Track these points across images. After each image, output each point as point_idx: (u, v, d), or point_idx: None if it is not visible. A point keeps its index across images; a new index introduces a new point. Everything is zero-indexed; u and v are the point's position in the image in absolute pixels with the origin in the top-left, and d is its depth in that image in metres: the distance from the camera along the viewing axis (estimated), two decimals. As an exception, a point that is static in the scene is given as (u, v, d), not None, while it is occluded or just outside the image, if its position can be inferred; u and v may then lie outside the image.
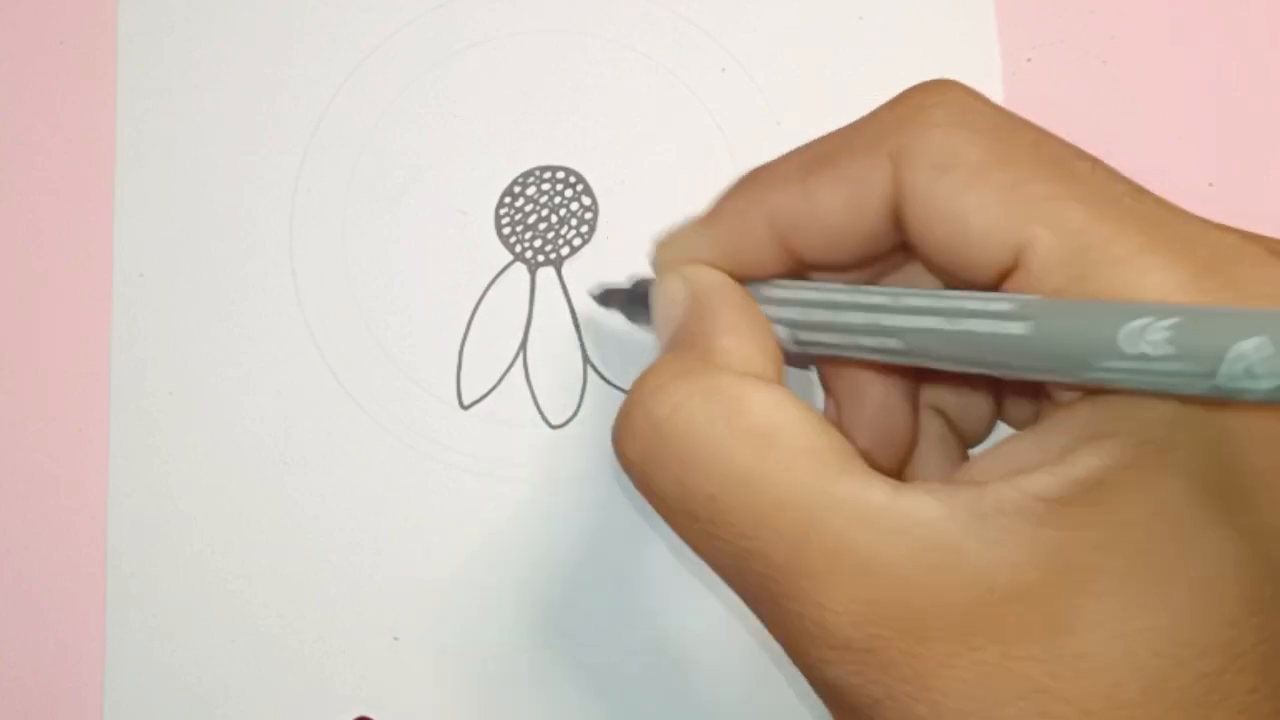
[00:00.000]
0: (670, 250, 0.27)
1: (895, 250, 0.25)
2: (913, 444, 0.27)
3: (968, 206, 0.22)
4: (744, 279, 0.26)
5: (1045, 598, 0.20)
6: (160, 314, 0.33)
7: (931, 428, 0.28)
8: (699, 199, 0.33)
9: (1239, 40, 0.35)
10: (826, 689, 0.22)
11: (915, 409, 0.27)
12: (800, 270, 0.26)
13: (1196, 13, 0.35)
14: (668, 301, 0.26)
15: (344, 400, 0.33)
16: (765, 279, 0.26)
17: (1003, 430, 0.29)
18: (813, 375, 0.31)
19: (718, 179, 0.34)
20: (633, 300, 0.30)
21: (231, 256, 0.34)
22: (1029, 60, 0.34)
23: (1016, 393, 0.28)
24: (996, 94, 0.34)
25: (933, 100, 0.23)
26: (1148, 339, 0.18)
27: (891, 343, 0.23)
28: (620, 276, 0.31)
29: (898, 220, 0.24)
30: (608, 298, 0.31)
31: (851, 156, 0.24)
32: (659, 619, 0.32)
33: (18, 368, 0.33)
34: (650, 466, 0.23)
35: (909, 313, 0.23)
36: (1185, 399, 0.20)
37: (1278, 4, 0.35)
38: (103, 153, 0.34)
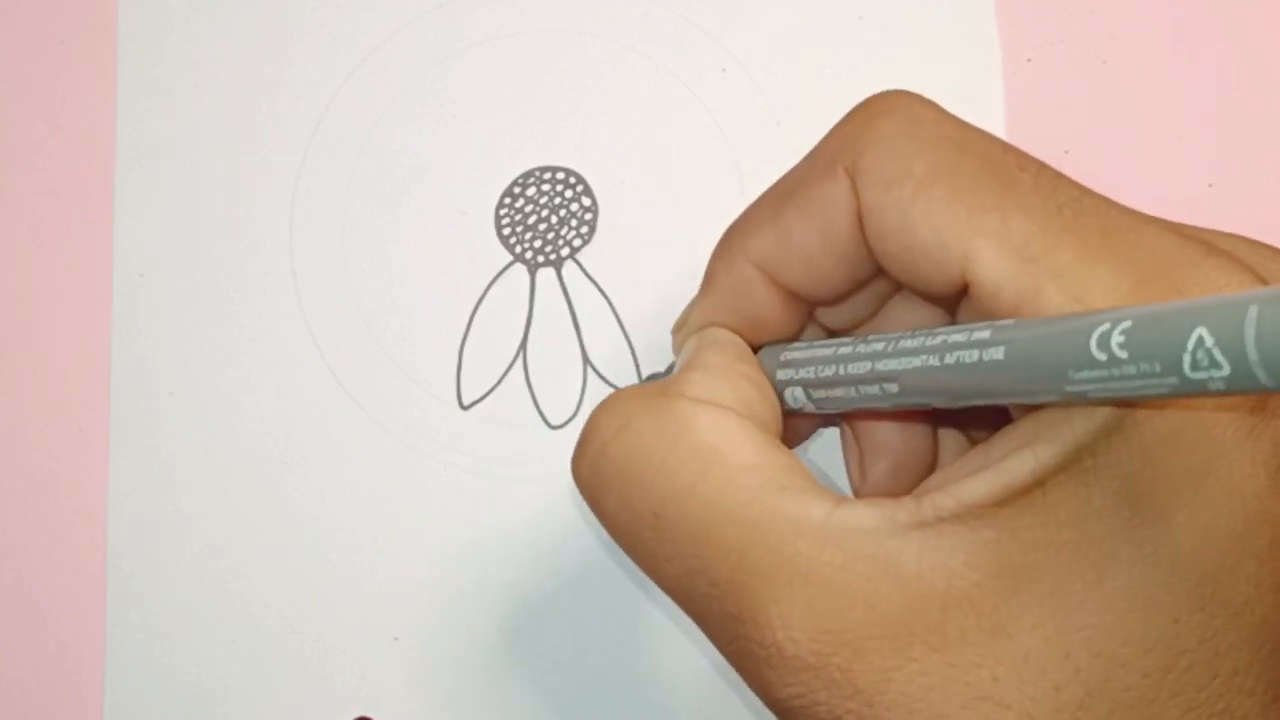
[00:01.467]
0: (682, 330, 0.27)
1: (882, 272, 0.25)
2: (933, 462, 0.27)
3: (914, 218, 0.22)
4: (760, 340, 0.26)
5: (984, 601, 0.20)
6: (160, 314, 0.33)
7: (953, 445, 0.28)
8: (699, 199, 0.33)
9: (1239, 41, 0.35)
10: (780, 710, 0.21)
11: (933, 430, 0.27)
12: (806, 312, 0.26)
13: (1196, 13, 0.35)
14: (679, 361, 0.27)
15: (344, 400, 0.33)
16: (780, 340, 0.26)
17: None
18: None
19: (718, 179, 0.34)
20: None
21: (231, 256, 0.34)
22: (1029, 60, 0.34)
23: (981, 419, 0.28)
24: (996, 94, 0.34)
25: (882, 111, 0.23)
26: (1112, 343, 0.19)
27: (891, 387, 0.24)
28: (633, 286, 0.31)
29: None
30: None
31: (812, 183, 0.24)
32: (659, 619, 0.32)
33: (18, 368, 0.33)
34: (597, 484, 0.23)
35: (902, 355, 0.23)
36: (1120, 406, 0.20)
37: (1278, 4, 0.35)
38: (103, 153, 0.34)
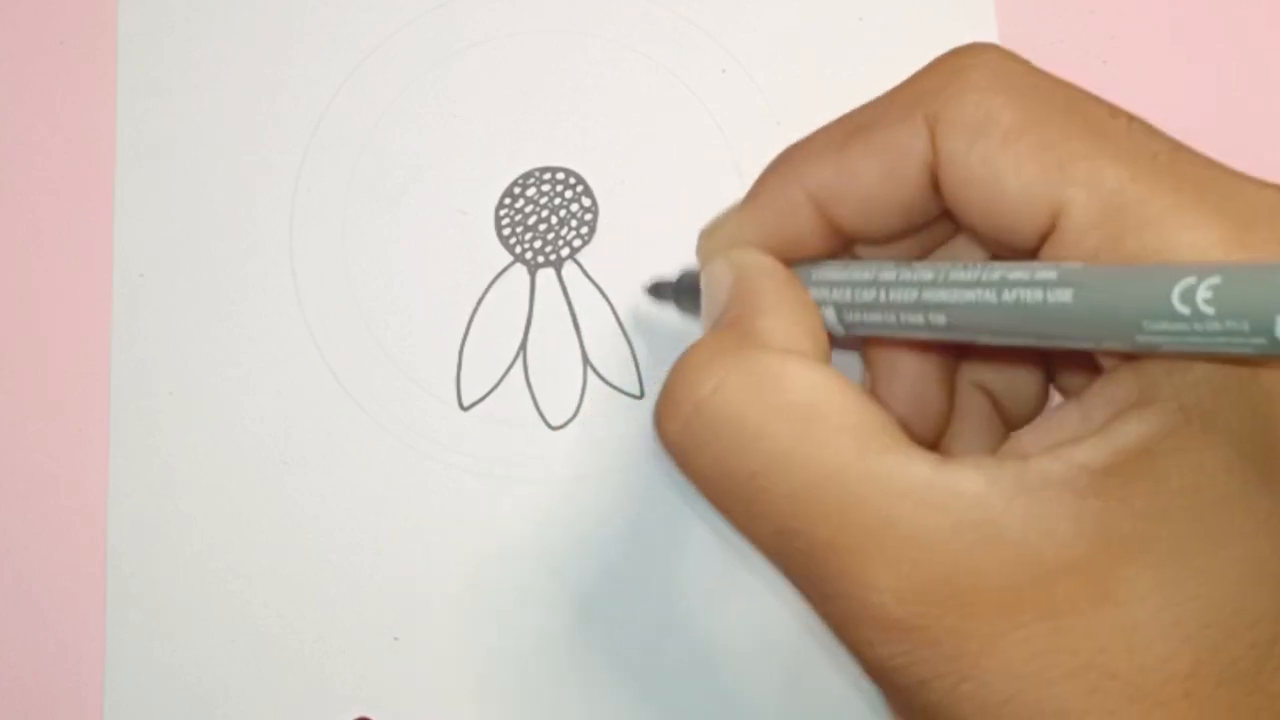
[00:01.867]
0: (714, 238, 0.27)
1: (939, 221, 0.24)
2: (947, 419, 0.27)
3: (1003, 169, 0.22)
4: (790, 260, 0.26)
5: (1092, 570, 0.20)
6: (160, 314, 0.33)
7: (974, 406, 0.27)
8: (699, 199, 0.33)
9: (1239, 40, 0.35)
10: (874, 669, 0.21)
11: (950, 385, 0.27)
12: (845, 246, 0.26)
13: (1196, 13, 0.35)
14: (713, 285, 0.26)
15: (344, 400, 0.33)
16: (812, 259, 0.26)
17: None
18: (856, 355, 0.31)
19: (718, 179, 0.34)
20: (680, 291, 0.30)
21: (231, 256, 0.34)
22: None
23: (1068, 367, 0.27)
24: (996, 94, 0.34)
25: (967, 63, 0.23)
26: (1198, 298, 0.18)
27: (938, 318, 0.23)
28: (633, 286, 0.31)
29: (937, 187, 0.23)
30: (659, 290, 0.31)
31: (887, 125, 0.23)
32: (660, 619, 0.32)
33: (18, 368, 0.33)
34: (690, 445, 0.23)
35: (955, 286, 0.22)
36: (1229, 361, 0.20)
37: (1278, 4, 0.35)
38: (103, 153, 0.34)
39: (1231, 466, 0.20)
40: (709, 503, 0.23)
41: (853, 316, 0.25)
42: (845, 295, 0.25)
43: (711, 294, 0.26)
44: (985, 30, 0.34)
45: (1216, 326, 0.18)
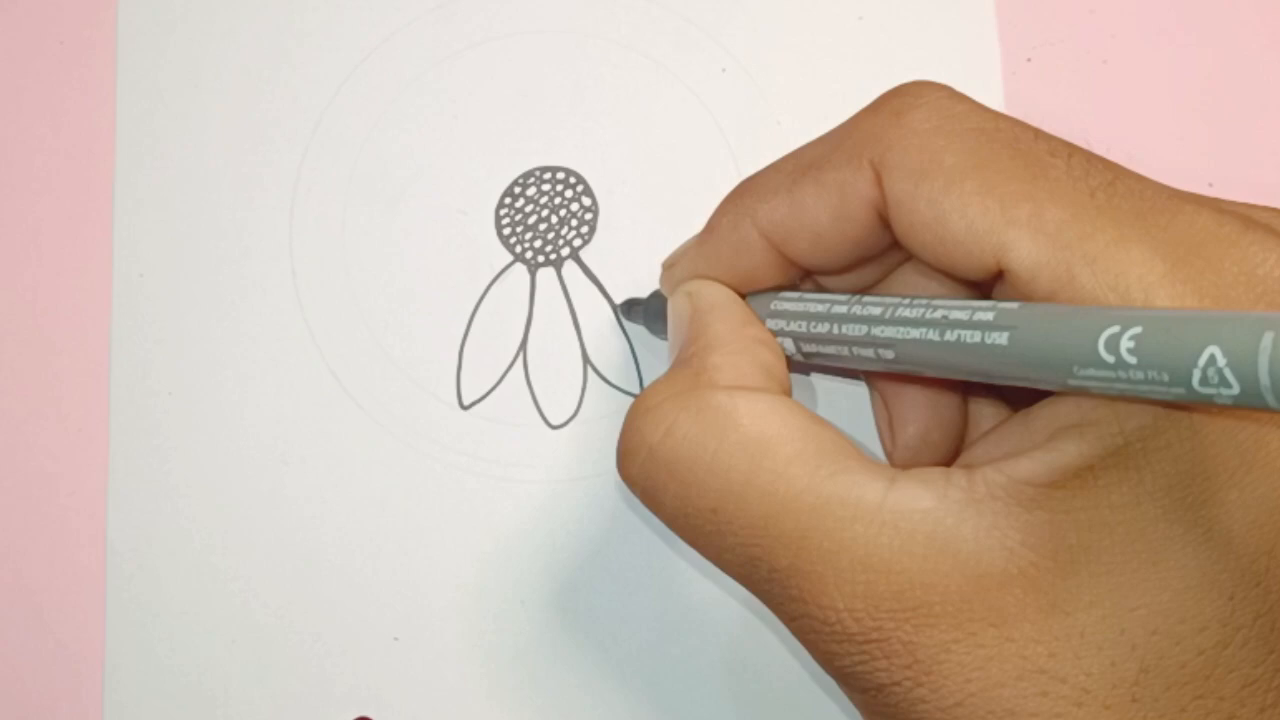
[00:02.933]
0: (675, 271, 0.28)
1: (892, 248, 0.25)
2: (963, 430, 0.27)
3: (948, 212, 0.22)
4: (747, 291, 0.27)
5: (1040, 579, 0.20)
6: (160, 314, 0.33)
7: (987, 414, 0.28)
8: (699, 199, 0.33)
9: (1239, 40, 0.35)
10: (839, 676, 0.22)
11: (963, 396, 0.27)
12: (801, 275, 0.26)
13: (1197, 13, 0.35)
14: (675, 318, 0.27)
15: (344, 400, 0.33)
16: (769, 289, 0.27)
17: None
18: (815, 380, 0.32)
19: (718, 179, 0.34)
20: (649, 312, 0.31)
21: (231, 256, 0.34)
22: (1029, 60, 0.34)
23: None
24: (996, 94, 0.34)
25: (910, 104, 0.23)
26: (1121, 347, 0.19)
27: (887, 353, 0.24)
28: (633, 286, 0.32)
29: (886, 224, 0.24)
30: (629, 309, 0.32)
31: (834, 166, 0.24)
32: (659, 619, 0.32)
33: (18, 368, 0.33)
34: (651, 487, 0.24)
35: (901, 324, 0.23)
36: (1157, 403, 0.20)
37: (1277, 4, 0.35)
38: (103, 153, 0.34)
39: (1170, 485, 0.20)
40: (677, 534, 0.24)
41: (809, 347, 0.26)
42: (801, 327, 0.26)
43: (674, 326, 0.27)
44: (985, 30, 0.34)
45: (1139, 375, 0.19)
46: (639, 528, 0.32)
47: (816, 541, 0.22)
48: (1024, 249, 0.21)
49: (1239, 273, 0.20)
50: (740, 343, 0.25)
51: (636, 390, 0.33)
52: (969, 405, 0.28)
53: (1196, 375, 0.17)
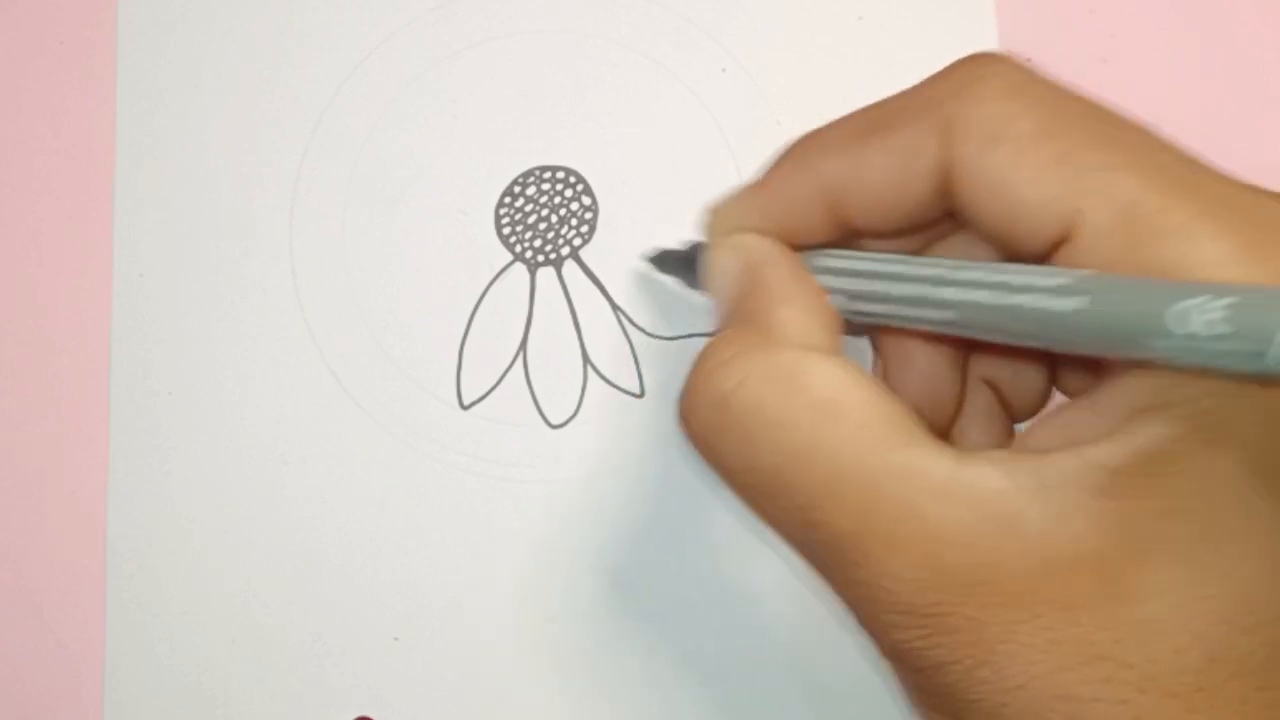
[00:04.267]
0: (722, 218, 0.27)
1: (943, 218, 0.25)
2: (957, 411, 0.27)
3: (1019, 178, 0.22)
4: (795, 246, 0.26)
5: (1109, 566, 0.20)
6: (160, 314, 0.33)
7: (979, 399, 0.28)
8: (699, 199, 0.33)
9: (1239, 40, 0.35)
10: (892, 651, 0.22)
11: (962, 377, 0.27)
12: (849, 237, 0.26)
13: (1197, 13, 0.35)
14: (721, 273, 0.27)
15: (344, 400, 0.33)
16: (815, 247, 0.26)
17: (1058, 401, 0.28)
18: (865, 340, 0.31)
19: (718, 179, 0.34)
20: (686, 263, 0.30)
21: (231, 256, 0.34)
22: (1029, 60, 0.34)
23: (1072, 364, 0.27)
24: (996, 94, 0.34)
25: (984, 72, 0.23)
26: (1200, 318, 0.18)
27: (945, 314, 0.23)
28: (633, 286, 0.31)
29: (946, 190, 0.23)
30: (663, 260, 0.31)
31: (903, 127, 0.24)
32: (659, 619, 0.32)
33: (18, 368, 0.33)
34: (715, 440, 0.24)
35: (963, 285, 0.23)
36: (1233, 376, 0.20)
37: (1278, 4, 0.35)
38: (103, 153, 0.34)
39: (1244, 470, 0.20)
40: (734, 494, 0.24)
41: (858, 306, 0.25)
42: (851, 285, 0.25)
43: (720, 281, 0.27)
44: (985, 30, 0.34)
45: (1215, 347, 0.18)
46: (639, 527, 0.32)
47: (883, 509, 0.21)
48: (1096, 217, 0.21)
49: None
50: (804, 298, 0.25)
51: (637, 390, 0.33)
52: (968, 391, 0.27)
53: (1275, 350, 0.17)
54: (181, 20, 0.35)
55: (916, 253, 0.26)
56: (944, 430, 0.27)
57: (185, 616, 0.32)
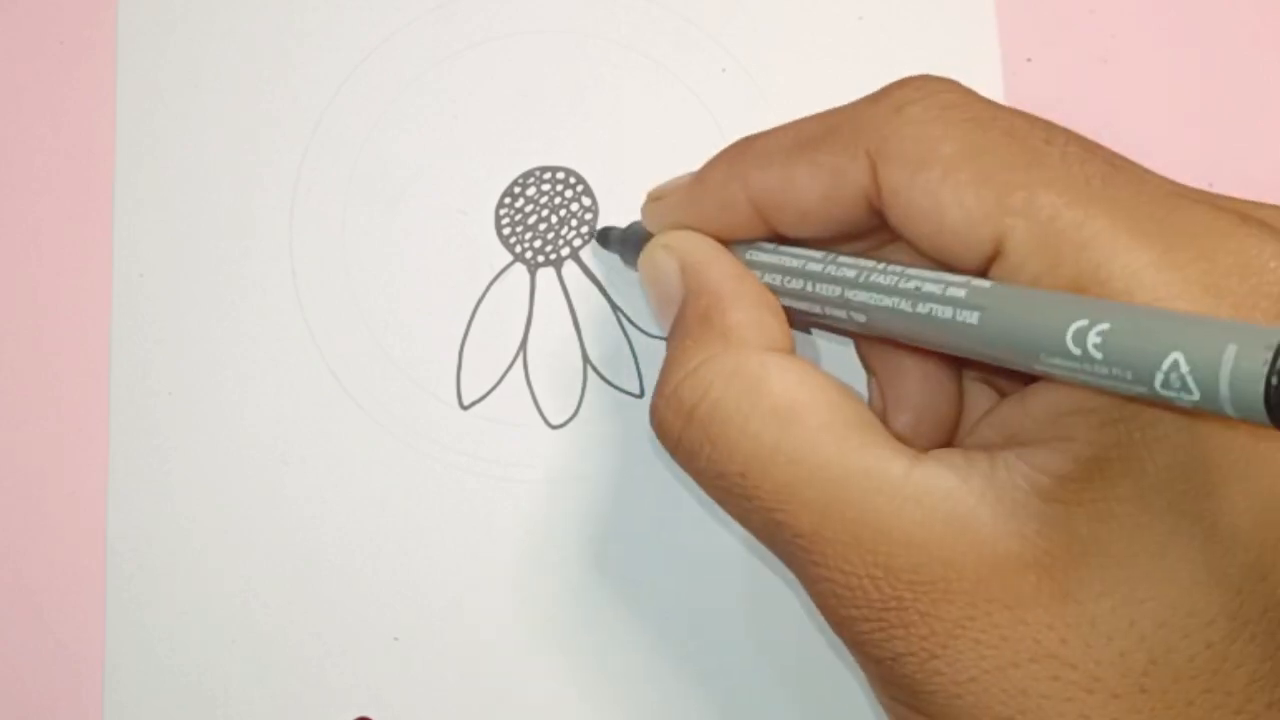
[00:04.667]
0: (659, 209, 0.28)
1: (878, 230, 0.25)
2: (958, 414, 0.28)
3: (944, 202, 0.22)
4: (726, 242, 0.27)
5: (1054, 567, 0.21)
6: (160, 314, 0.33)
7: (980, 397, 0.28)
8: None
9: (1239, 40, 0.35)
10: (855, 643, 0.23)
11: (958, 380, 0.28)
12: (779, 239, 0.27)
13: (1197, 12, 0.35)
14: (656, 272, 0.28)
15: (344, 400, 0.33)
16: (746, 242, 0.27)
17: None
18: (816, 340, 0.32)
19: (718, 179, 0.34)
20: (625, 241, 0.31)
21: (231, 256, 0.34)
22: (1029, 60, 0.34)
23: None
24: (996, 94, 0.34)
25: (910, 97, 0.24)
26: (1088, 342, 0.19)
27: (859, 316, 0.24)
28: (633, 286, 0.32)
29: (877, 212, 0.24)
30: (604, 236, 0.32)
31: (831, 149, 0.24)
32: (658, 619, 0.32)
33: (18, 368, 0.33)
34: (686, 448, 0.25)
35: (874, 290, 0.23)
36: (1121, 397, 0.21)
37: (1278, 4, 0.35)
38: (103, 153, 0.34)
39: (1172, 477, 0.21)
40: (707, 494, 0.25)
41: (784, 301, 0.26)
42: (775, 280, 0.26)
43: (656, 279, 0.28)
44: (985, 30, 0.34)
45: (1104, 370, 0.19)
46: (639, 527, 0.32)
47: (840, 510, 0.22)
48: (1019, 235, 0.22)
49: (1234, 264, 0.21)
50: (750, 297, 0.26)
51: (637, 390, 0.33)
52: (965, 387, 0.28)
53: (1159, 378, 0.18)
54: (181, 20, 0.35)
55: (864, 254, 0.27)
56: (949, 432, 0.27)
57: (185, 616, 0.32)
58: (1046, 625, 0.21)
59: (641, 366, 0.33)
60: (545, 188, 0.34)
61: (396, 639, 0.32)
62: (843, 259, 0.25)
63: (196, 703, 0.31)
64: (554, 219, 0.34)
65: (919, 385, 0.27)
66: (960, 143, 0.22)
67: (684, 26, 0.35)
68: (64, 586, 0.32)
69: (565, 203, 0.34)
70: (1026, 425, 0.22)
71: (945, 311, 0.22)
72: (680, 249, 0.27)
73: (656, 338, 0.33)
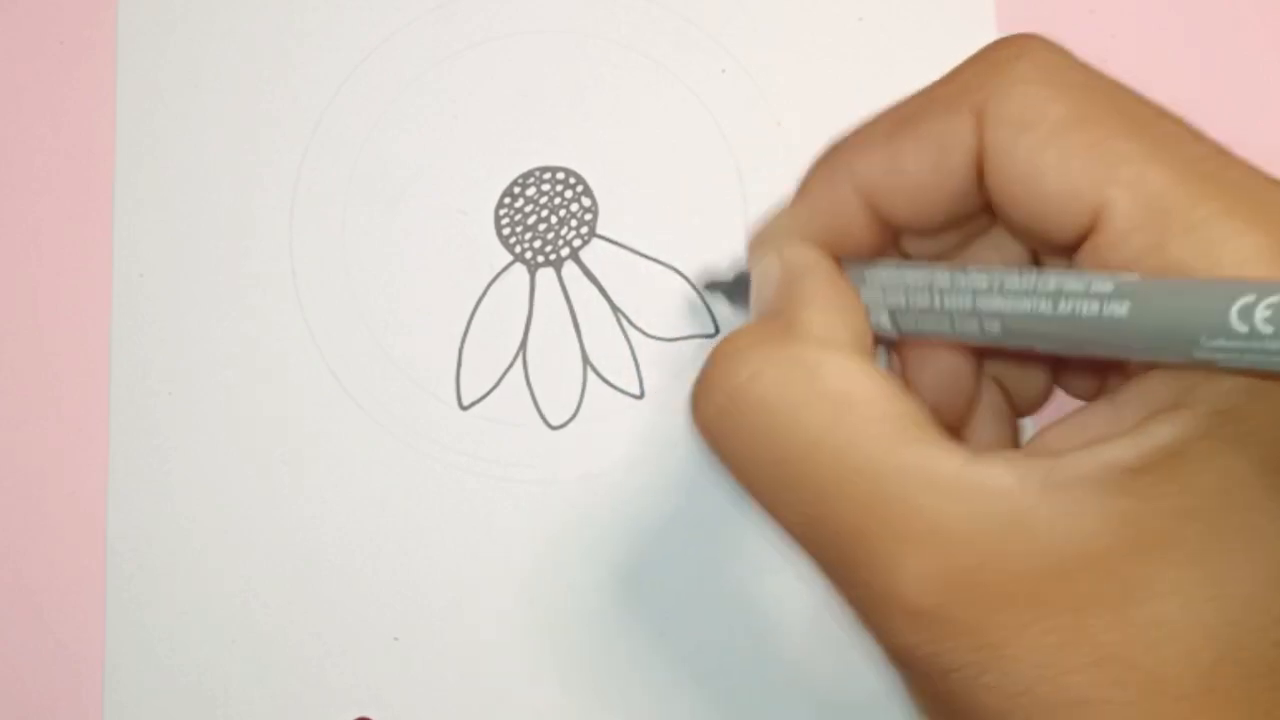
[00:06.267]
0: (765, 234, 0.27)
1: (981, 213, 0.24)
2: (972, 409, 0.27)
3: (1046, 165, 0.21)
4: (841, 254, 0.26)
5: (1119, 566, 0.20)
6: (160, 314, 0.33)
7: (987, 397, 0.27)
8: (698, 199, 0.33)
9: (1240, 40, 0.35)
10: (897, 654, 0.22)
11: (977, 376, 0.27)
12: (892, 238, 0.26)
13: (1197, 12, 0.35)
14: (762, 281, 0.26)
15: (344, 400, 0.33)
16: (862, 256, 0.26)
17: (1064, 401, 0.28)
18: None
19: (718, 179, 0.34)
20: (735, 289, 0.30)
21: (231, 256, 0.34)
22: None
23: (1077, 366, 0.27)
24: (996, 94, 0.34)
25: (1015, 54, 0.23)
26: (1256, 316, 0.18)
27: (993, 326, 0.23)
28: (633, 286, 0.32)
29: (982, 180, 0.23)
30: (714, 288, 0.31)
31: (935, 116, 0.23)
32: (658, 619, 0.32)
33: (18, 368, 0.33)
34: (723, 430, 0.23)
35: (1010, 294, 0.22)
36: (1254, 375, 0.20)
37: (1278, 4, 0.35)
38: (103, 153, 0.34)
39: (1260, 471, 0.20)
40: (739, 486, 0.24)
41: (907, 321, 0.25)
42: (900, 299, 0.25)
43: (760, 288, 0.26)
44: (985, 30, 0.34)
45: (1275, 345, 0.18)
46: (639, 527, 0.32)
47: (890, 506, 0.21)
48: (1123, 208, 0.21)
49: None
50: (831, 299, 0.25)
51: (636, 390, 0.33)
52: (982, 384, 0.27)
53: None
54: (181, 20, 0.35)
55: (955, 252, 0.26)
56: (957, 427, 0.27)
57: (185, 616, 0.32)
58: (1107, 627, 0.20)
59: (641, 367, 0.33)
60: (545, 188, 0.34)
61: (396, 639, 0.32)
62: (970, 269, 0.24)
63: (196, 703, 0.31)
64: (554, 219, 0.34)
65: (940, 373, 0.26)
66: (1068, 106, 0.22)
67: (684, 26, 0.35)
68: (64, 586, 0.32)
69: (565, 203, 0.34)
70: (1109, 425, 0.22)
71: (1091, 307, 0.21)
72: (787, 256, 0.26)
73: (656, 338, 0.33)
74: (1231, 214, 0.20)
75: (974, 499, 0.21)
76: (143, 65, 0.35)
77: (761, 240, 0.27)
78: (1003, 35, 0.35)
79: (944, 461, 0.21)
